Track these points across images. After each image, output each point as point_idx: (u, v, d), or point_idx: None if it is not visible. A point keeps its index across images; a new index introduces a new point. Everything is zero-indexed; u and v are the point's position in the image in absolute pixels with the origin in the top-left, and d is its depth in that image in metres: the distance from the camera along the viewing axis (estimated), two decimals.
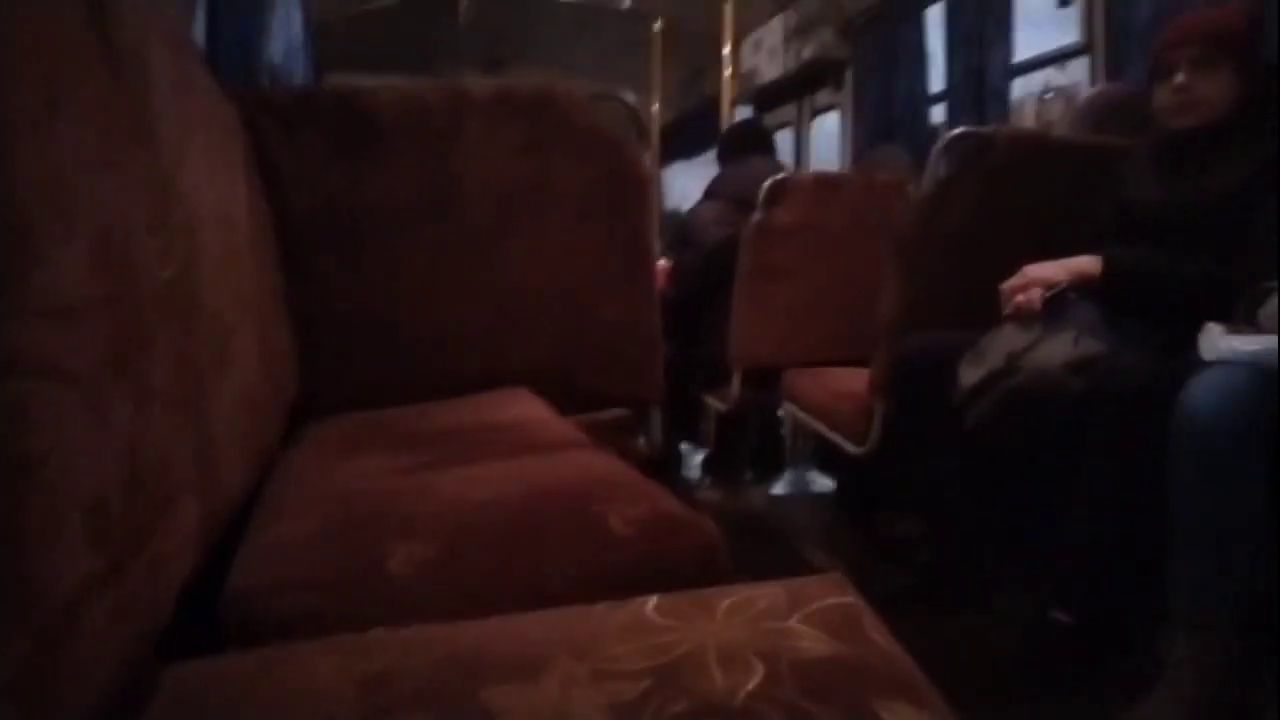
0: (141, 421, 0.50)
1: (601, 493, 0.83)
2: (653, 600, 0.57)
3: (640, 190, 1.62)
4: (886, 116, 3.44)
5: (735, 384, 2.30)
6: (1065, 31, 2.71)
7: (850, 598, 0.54)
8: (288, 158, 1.44)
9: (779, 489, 2.54)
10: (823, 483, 2.50)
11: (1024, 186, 1.77)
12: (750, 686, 0.45)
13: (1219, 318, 1.25)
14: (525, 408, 1.35)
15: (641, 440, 1.67)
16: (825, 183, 2.38)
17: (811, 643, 0.49)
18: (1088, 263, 1.47)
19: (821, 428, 1.99)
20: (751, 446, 2.56)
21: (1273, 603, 1.19)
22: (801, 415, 2.12)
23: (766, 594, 0.55)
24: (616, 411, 1.60)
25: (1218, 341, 1.19)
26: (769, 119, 4.27)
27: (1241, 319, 1.23)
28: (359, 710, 0.47)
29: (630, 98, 1.63)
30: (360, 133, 1.48)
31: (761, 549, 2.11)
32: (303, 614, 0.64)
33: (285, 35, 2.05)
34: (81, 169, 0.48)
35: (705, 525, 0.77)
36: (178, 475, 0.58)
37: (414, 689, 0.49)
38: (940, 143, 1.82)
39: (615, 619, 0.55)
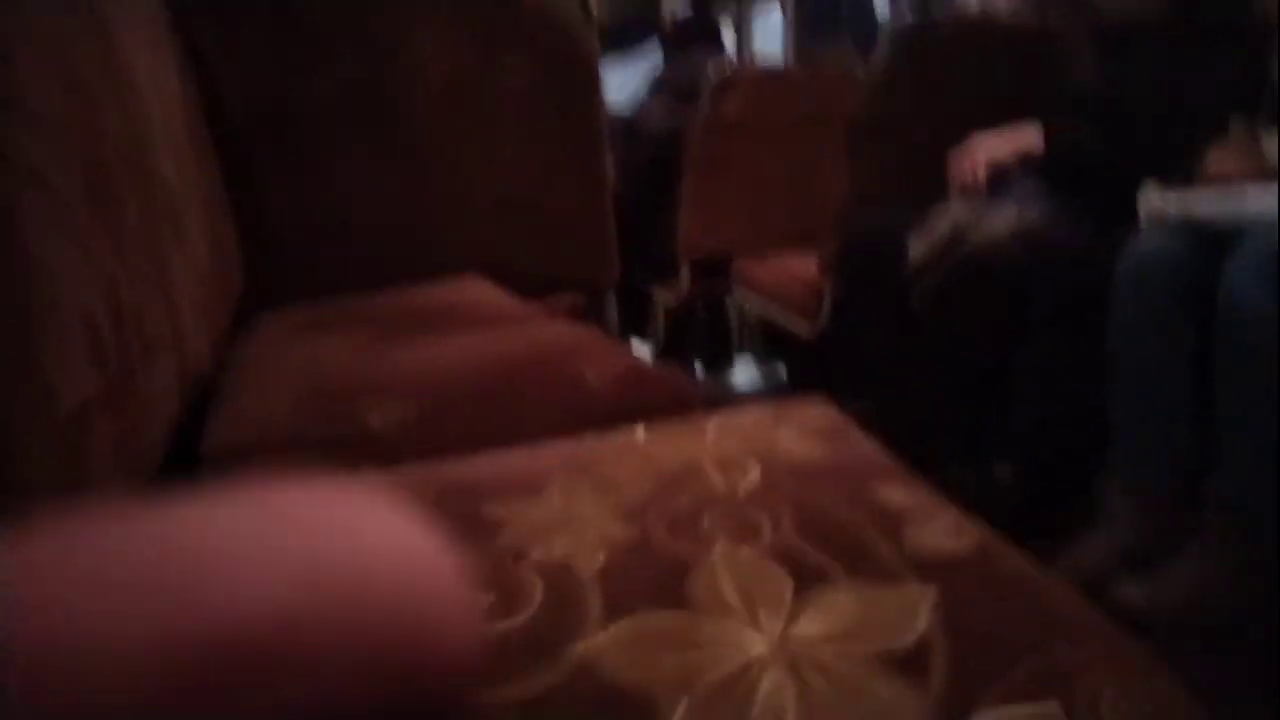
0: (118, 262, 0.49)
1: (573, 353, 0.84)
2: (640, 428, 0.59)
3: (589, 73, 1.58)
4: (830, 7, 3.38)
5: (684, 275, 2.31)
6: None
7: (832, 411, 0.57)
8: (217, 43, 1.36)
9: (732, 378, 2.59)
10: (775, 373, 2.56)
11: (969, 69, 1.79)
12: (750, 482, 0.47)
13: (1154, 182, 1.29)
14: (482, 291, 1.34)
15: (596, 328, 1.67)
16: (772, 75, 2.35)
17: (802, 448, 0.51)
18: (1030, 135, 1.50)
19: (772, 311, 2.03)
20: (701, 338, 2.59)
21: (1197, 456, 1.27)
22: (752, 300, 2.15)
23: (752, 413, 0.57)
24: (570, 296, 1.60)
25: (1155, 202, 1.24)
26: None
27: (1177, 182, 1.27)
28: None
29: None
30: (293, 13, 1.40)
31: None
32: (288, 470, 0.64)
33: None
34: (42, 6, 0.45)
35: (679, 376, 0.79)
36: (154, 329, 0.57)
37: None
38: (888, 28, 1.82)
39: (607, 444, 0.56)
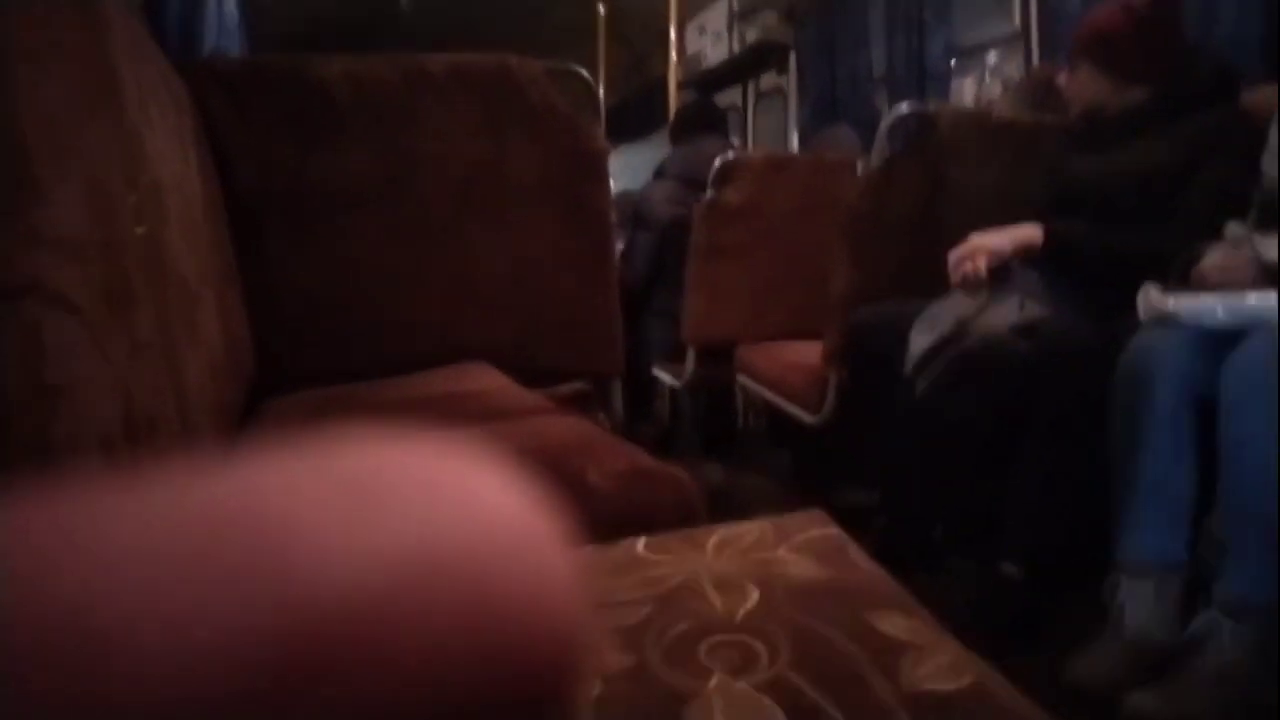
0: (134, 371, 0.50)
1: (576, 450, 0.84)
2: (641, 541, 0.59)
3: (597, 166, 1.63)
4: (830, 99, 3.50)
5: (690, 361, 2.33)
6: (1002, 20, 2.80)
7: (832, 529, 0.57)
8: (235, 130, 1.40)
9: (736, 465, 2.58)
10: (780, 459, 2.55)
11: (967, 162, 1.83)
12: (748, 606, 0.47)
13: (1151, 280, 1.31)
14: (487, 379, 1.35)
15: (601, 415, 1.68)
16: (775, 162, 2.41)
17: (801, 569, 0.51)
18: (1029, 232, 1.53)
19: (777, 399, 2.03)
20: (705, 423, 2.59)
21: (1205, 548, 1.25)
22: (756, 388, 2.16)
23: (752, 529, 0.57)
24: (576, 385, 1.61)
25: (1154, 302, 1.25)
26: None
27: (1175, 281, 1.29)
28: None
29: (584, 71, 1.63)
30: (311, 105, 1.45)
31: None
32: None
33: (220, 13, 1.99)
34: (67, 120, 0.48)
35: (682, 477, 0.79)
36: (165, 429, 0.58)
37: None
38: (886, 121, 1.87)
39: (607, 557, 0.56)
